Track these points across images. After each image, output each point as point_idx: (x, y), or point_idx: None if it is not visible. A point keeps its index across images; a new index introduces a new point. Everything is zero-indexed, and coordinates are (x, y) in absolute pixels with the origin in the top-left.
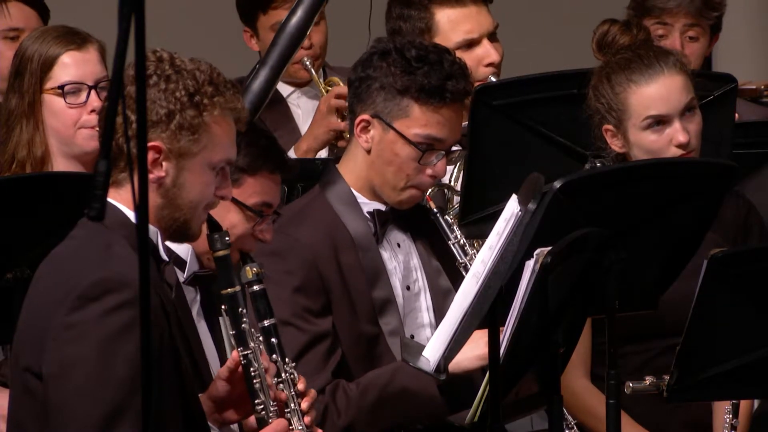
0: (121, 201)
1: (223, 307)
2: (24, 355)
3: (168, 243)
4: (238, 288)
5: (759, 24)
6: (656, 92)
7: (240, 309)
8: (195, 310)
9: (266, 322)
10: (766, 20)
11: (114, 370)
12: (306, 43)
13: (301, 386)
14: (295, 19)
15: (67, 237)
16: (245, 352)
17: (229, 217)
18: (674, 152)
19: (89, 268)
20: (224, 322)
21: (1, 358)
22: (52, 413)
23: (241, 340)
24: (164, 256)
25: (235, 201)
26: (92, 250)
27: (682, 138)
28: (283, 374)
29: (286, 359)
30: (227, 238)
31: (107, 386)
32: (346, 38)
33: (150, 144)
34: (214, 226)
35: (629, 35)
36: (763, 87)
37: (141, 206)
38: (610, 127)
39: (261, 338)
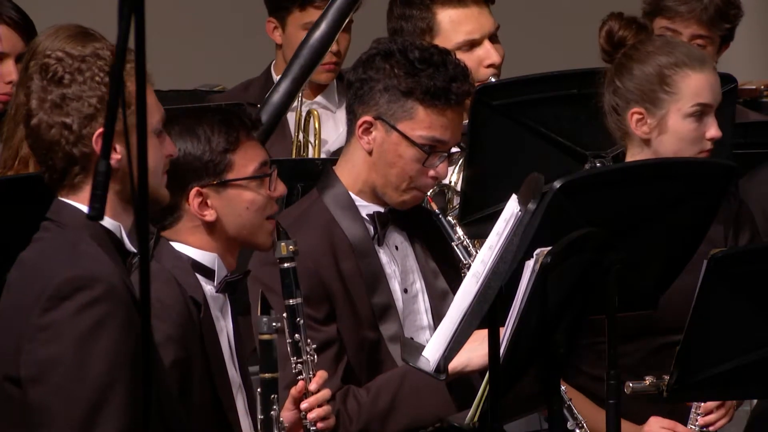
0: (79, 201)
1: (258, 390)
2: (1, 363)
3: (193, 254)
4: (277, 375)
5: (759, 24)
6: (708, 81)
7: (273, 396)
8: (228, 319)
9: (292, 301)
10: (766, 20)
11: (91, 367)
12: (334, 47)
13: (313, 387)
14: (318, 33)
15: (32, 240)
16: None
17: (243, 198)
18: (702, 146)
19: (58, 268)
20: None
21: None
22: (33, 415)
23: (267, 426)
24: (130, 248)
25: (236, 183)
26: (59, 250)
27: (717, 133)
28: (304, 356)
29: (308, 341)
30: (275, 324)
31: (85, 384)
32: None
33: (96, 133)
34: (266, 308)
35: (638, 33)
36: (763, 87)
37: (141, 206)
38: (640, 110)
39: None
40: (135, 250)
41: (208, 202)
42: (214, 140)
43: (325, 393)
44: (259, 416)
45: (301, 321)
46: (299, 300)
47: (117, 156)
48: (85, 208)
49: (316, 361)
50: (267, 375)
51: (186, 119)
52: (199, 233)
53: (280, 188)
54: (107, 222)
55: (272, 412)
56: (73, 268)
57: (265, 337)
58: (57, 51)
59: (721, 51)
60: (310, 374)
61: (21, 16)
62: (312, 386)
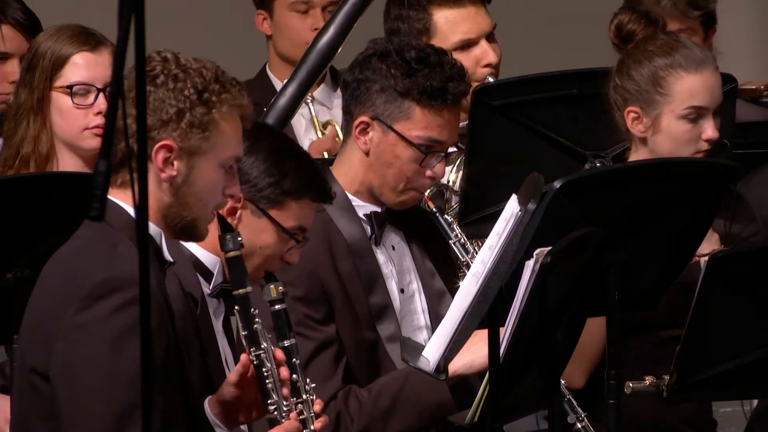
0: (127, 201)
1: (236, 308)
2: (30, 356)
3: (197, 253)
4: (249, 288)
5: (759, 24)
6: (703, 84)
7: (252, 309)
8: (220, 322)
9: (287, 342)
10: (766, 20)
11: (123, 368)
12: None
13: (318, 425)
14: (326, 38)
15: (71, 237)
16: (257, 353)
17: (264, 237)
18: (698, 147)
19: (95, 267)
20: (236, 321)
21: (4, 359)
22: (63, 413)
23: (253, 340)
24: (168, 257)
25: (274, 222)
26: (97, 250)
27: (713, 134)
28: (304, 395)
29: (307, 380)
30: (239, 239)
31: (118, 385)
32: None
33: (161, 143)
34: (226, 227)
35: (648, 27)
36: (763, 87)
37: (141, 206)
38: (636, 109)
39: (271, 337)
40: (171, 260)
41: (239, 212)
42: (287, 180)
43: None
44: (243, 332)
45: (298, 361)
46: (293, 341)
47: (173, 172)
48: (129, 208)
49: (315, 398)
50: (241, 291)
51: (281, 143)
52: (211, 234)
53: (294, 258)
54: (150, 227)
55: (255, 326)
56: (111, 269)
57: (232, 254)
58: (168, 52)
59: (709, 37)
60: (311, 413)
61: (27, 17)
62: (317, 425)
